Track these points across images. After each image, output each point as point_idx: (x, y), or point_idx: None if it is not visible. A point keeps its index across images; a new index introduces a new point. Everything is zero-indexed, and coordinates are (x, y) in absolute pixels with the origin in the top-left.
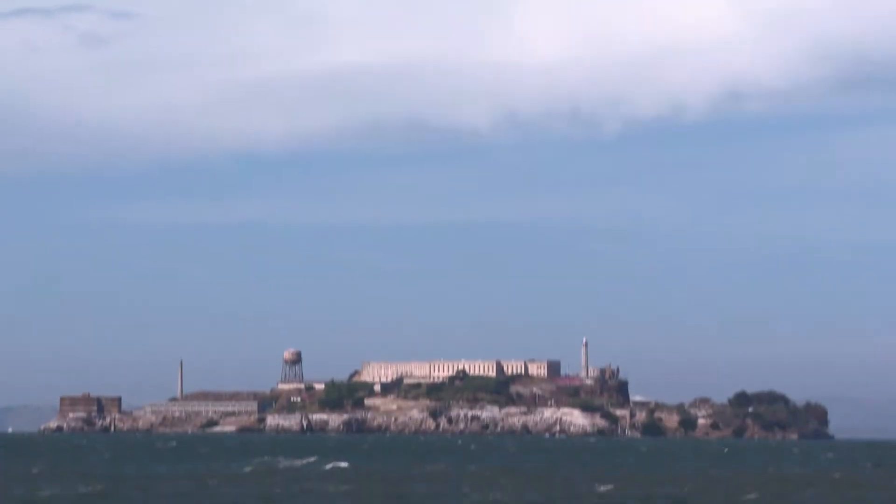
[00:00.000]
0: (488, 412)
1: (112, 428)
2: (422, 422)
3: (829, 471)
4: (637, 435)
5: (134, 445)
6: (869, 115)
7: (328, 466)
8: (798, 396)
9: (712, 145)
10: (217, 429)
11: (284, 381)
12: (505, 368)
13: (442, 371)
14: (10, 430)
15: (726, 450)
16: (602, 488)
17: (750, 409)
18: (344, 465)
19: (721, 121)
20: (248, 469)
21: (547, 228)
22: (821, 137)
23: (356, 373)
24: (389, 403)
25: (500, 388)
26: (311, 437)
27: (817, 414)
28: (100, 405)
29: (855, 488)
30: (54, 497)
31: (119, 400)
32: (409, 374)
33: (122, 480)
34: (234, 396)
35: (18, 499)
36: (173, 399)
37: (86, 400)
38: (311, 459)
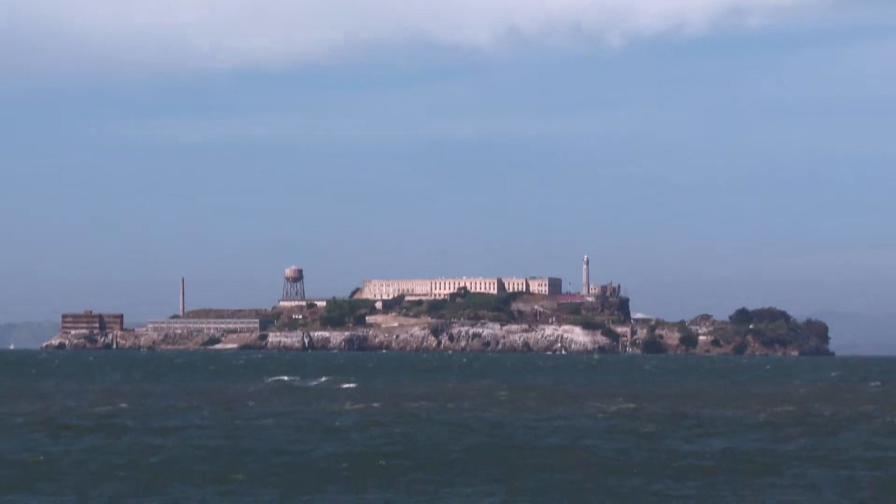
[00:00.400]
0: (489, 329)
1: (114, 345)
2: (423, 339)
3: (839, 391)
4: (638, 352)
5: (147, 362)
6: (871, 29)
7: (340, 386)
8: (799, 313)
9: (714, 61)
10: (219, 346)
11: (286, 298)
12: (506, 285)
13: (443, 288)
14: (11, 346)
15: (769, 366)
16: (613, 407)
17: (751, 326)
18: (352, 385)
19: (723, 36)
20: (255, 388)
21: (548, 145)
22: (823, 52)
23: (357, 290)
24: (391, 320)
25: (502, 306)
26: (314, 354)
27: (818, 330)
28: (102, 322)
29: (866, 404)
30: (75, 413)
31: (121, 317)
32: (410, 291)
33: (142, 396)
34: (235, 314)
35: (39, 415)
36: (175, 317)
37: (88, 317)
38: (322, 379)
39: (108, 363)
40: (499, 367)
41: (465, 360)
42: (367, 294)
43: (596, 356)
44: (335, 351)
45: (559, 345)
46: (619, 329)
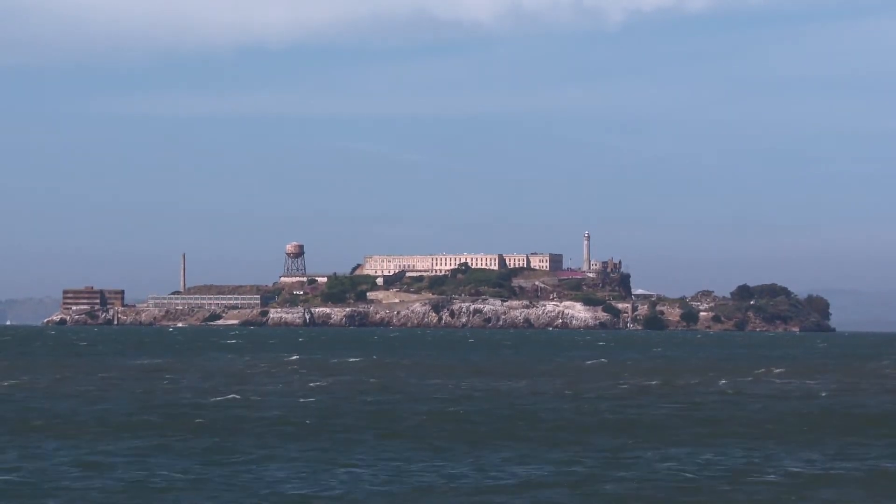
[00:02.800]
0: (490, 305)
1: (115, 321)
2: (424, 315)
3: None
4: (639, 328)
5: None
6: (870, 6)
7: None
8: (800, 289)
9: (715, 36)
10: (220, 322)
11: (287, 274)
12: (507, 261)
13: (444, 264)
14: (8, 322)
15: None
16: (625, 381)
17: (752, 302)
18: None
19: (724, 11)
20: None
21: (550, 121)
22: (823, 28)
23: (358, 266)
24: (392, 296)
25: (503, 282)
26: (317, 331)
27: (819, 306)
28: (103, 298)
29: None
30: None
31: (122, 293)
32: (411, 267)
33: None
34: (236, 290)
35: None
36: (176, 292)
37: (89, 293)
38: (373, 358)
39: (129, 338)
40: (525, 344)
41: (490, 335)
42: (368, 270)
43: (603, 334)
44: (344, 329)
45: (560, 321)
46: (620, 305)
